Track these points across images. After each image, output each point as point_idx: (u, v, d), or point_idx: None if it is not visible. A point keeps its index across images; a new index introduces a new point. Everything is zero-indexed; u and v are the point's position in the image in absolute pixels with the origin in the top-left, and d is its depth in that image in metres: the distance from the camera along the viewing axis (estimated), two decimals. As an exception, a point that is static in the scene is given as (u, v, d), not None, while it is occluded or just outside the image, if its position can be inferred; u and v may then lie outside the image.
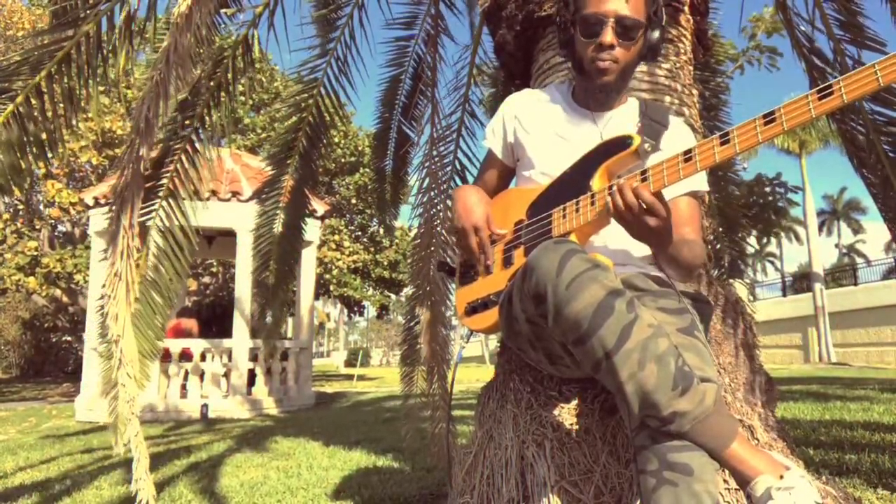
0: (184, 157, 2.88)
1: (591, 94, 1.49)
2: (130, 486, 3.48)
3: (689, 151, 1.18)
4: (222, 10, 2.82)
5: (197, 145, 2.96)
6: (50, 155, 2.31)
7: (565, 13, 1.45)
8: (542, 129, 1.53)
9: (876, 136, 2.66)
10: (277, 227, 3.66)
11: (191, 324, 8.99)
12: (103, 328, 2.68)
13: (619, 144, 1.34)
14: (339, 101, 3.64)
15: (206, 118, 3.07)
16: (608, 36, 1.34)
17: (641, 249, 1.43)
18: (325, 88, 3.57)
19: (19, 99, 2.17)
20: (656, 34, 1.41)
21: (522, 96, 1.63)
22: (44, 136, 2.24)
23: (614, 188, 1.21)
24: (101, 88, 2.46)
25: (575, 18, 1.40)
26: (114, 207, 1.69)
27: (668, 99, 2.06)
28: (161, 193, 2.83)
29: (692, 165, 1.17)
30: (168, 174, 2.86)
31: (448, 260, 3.12)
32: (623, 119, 1.48)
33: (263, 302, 3.81)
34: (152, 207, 2.80)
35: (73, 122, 2.39)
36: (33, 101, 2.21)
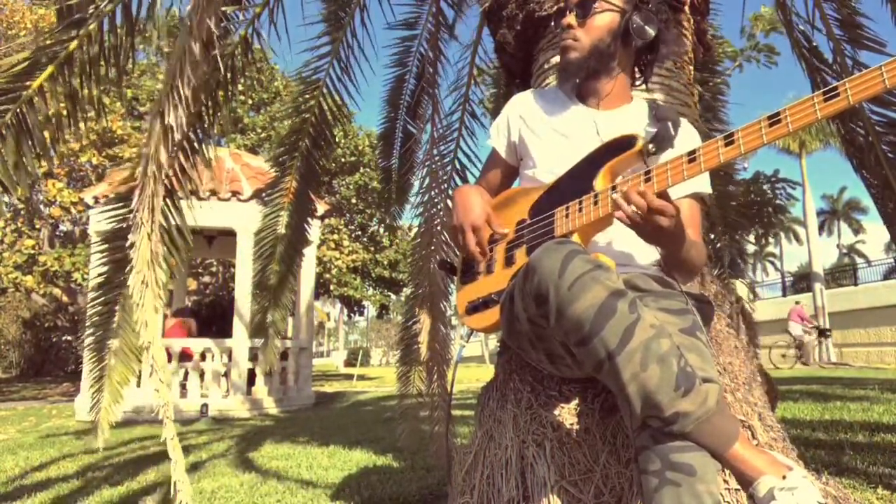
0: (181, 156, 2.87)
1: (582, 86, 1.53)
2: (130, 486, 3.49)
3: (693, 152, 1.18)
4: (225, 8, 2.81)
5: (195, 144, 2.95)
6: (54, 156, 2.31)
7: (559, 10, 1.54)
8: (546, 127, 1.53)
9: (875, 138, 2.66)
10: (280, 228, 3.65)
11: (190, 323, 9.00)
12: (97, 328, 2.68)
13: (622, 144, 1.34)
14: (341, 101, 3.64)
15: (205, 116, 3.06)
16: (566, 17, 1.47)
17: (644, 250, 1.43)
18: (328, 88, 3.57)
19: (24, 97, 2.16)
20: (638, 20, 1.43)
21: (527, 96, 1.64)
22: (46, 136, 2.23)
23: (618, 194, 1.21)
24: (101, 88, 2.45)
25: None
26: (137, 215, 1.68)
27: (667, 98, 2.06)
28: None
29: (696, 166, 1.17)
30: (166, 173, 2.86)
31: (449, 258, 3.12)
32: (627, 118, 1.48)
33: (265, 304, 3.80)
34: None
35: (77, 123, 2.39)
36: (36, 102, 2.20)
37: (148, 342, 1.58)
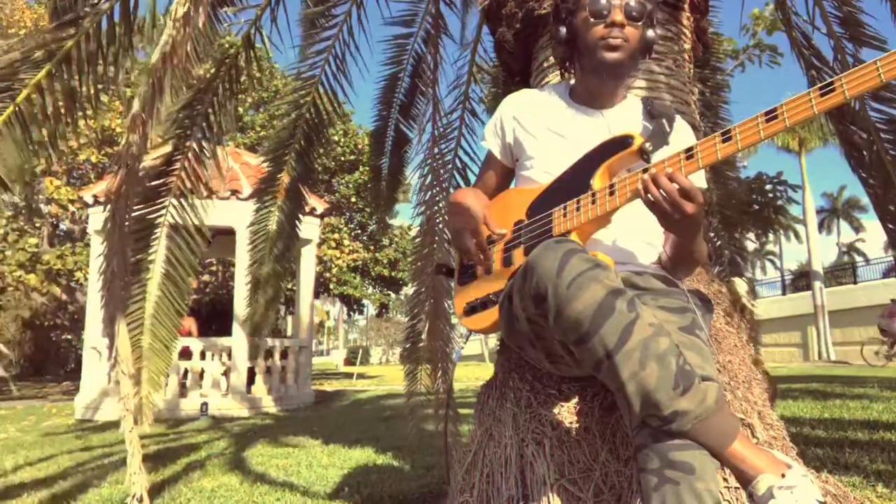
0: (191, 156, 2.91)
1: (598, 84, 1.47)
2: (129, 484, 3.48)
3: (690, 149, 1.18)
4: (223, 9, 2.82)
5: (204, 144, 2.99)
6: (52, 153, 2.31)
7: (565, 6, 1.46)
8: (541, 128, 1.52)
9: (876, 136, 2.65)
10: (273, 225, 3.64)
11: (189, 322, 8.98)
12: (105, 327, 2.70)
13: (620, 143, 1.34)
14: (336, 99, 3.63)
15: (211, 117, 3.09)
16: (618, 15, 1.38)
17: (644, 248, 1.43)
18: (324, 86, 3.56)
19: (20, 98, 2.16)
20: (651, 32, 1.43)
21: (520, 96, 1.62)
22: (45, 133, 2.23)
23: (646, 176, 1.19)
24: (100, 86, 2.45)
25: (578, 6, 1.43)
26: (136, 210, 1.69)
27: (668, 96, 2.06)
28: (167, 192, 2.87)
29: (694, 163, 1.17)
30: (176, 173, 2.89)
31: (449, 261, 3.12)
32: (624, 116, 1.48)
33: (256, 300, 3.78)
34: (163, 205, 2.84)
35: (75, 120, 2.39)
36: (34, 99, 2.20)
37: (109, 333, 1.58)
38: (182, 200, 2.83)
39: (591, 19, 1.40)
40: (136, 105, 1.62)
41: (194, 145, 2.95)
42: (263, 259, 3.61)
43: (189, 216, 2.76)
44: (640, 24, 1.40)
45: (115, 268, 1.59)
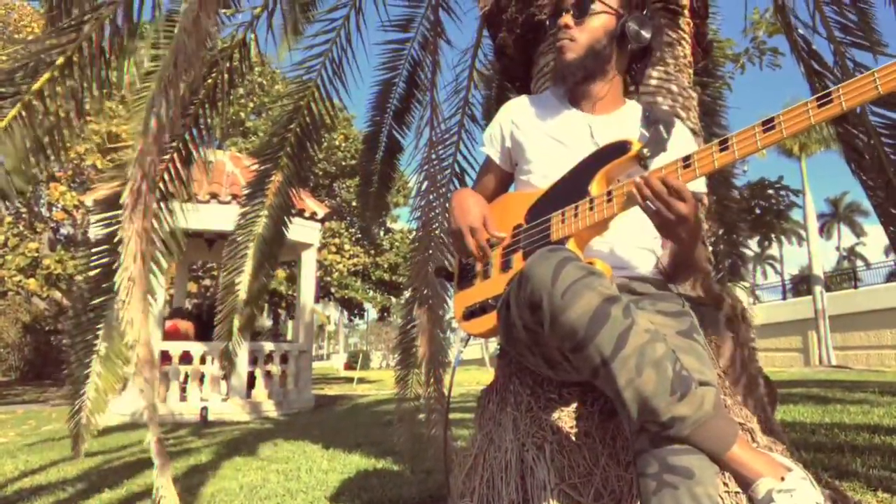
0: (176, 157, 2.84)
1: (566, 88, 1.52)
2: (129, 488, 3.48)
3: (688, 157, 1.18)
4: (221, 10, 2.81)
5: (190, 146, 2.93)
6: (53, 158, 2.30)
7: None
8: (540, 133, 1.53)
9: (877, 140, 2.65)
10: (258, 229, 3.57)
11: (186, 325, 8.96)
12: (84, 333, 2.66)
13: (617, 149, 1.34)
14: (332, 104, 3.62)
15: (201, 119, 3.05)
16: (563, 18, 1.46)
17: (642, 255, 1.43)
18: (320, 91, 3.55)
19: (24, 100, 2.16)
20: (633, 24, 1.43)
21: (520, 101, 1.63)
22: (46, 139, 2.24)
23: (638, 179, 1.20)
24: (105, 91, 2.45)
25: None
26: (125, 213, 1.67)
27: (667, 102, 2.06)
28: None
29: (691, 171, 1.17)
30: (160, 175, 2.84)
31: (447, 264, 3.12)
32: (622, 122, 1.48)
33: (232, 307, 3.67)
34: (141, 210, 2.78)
35: (77, 124, 2.39)
36: (36, 105, 2.20)
37: (134, 340, 1.57)
38: (162, 204, 2.78)
39: (552, 27, 1.50)
40: (152, 114, 1.63)
41: (180, 146, 2.88)
42: (243, 265, 3.52)
43: (167, 220, 2.69)
44: (587, 18, 1.44)
45: (132, 274, 1.58)
